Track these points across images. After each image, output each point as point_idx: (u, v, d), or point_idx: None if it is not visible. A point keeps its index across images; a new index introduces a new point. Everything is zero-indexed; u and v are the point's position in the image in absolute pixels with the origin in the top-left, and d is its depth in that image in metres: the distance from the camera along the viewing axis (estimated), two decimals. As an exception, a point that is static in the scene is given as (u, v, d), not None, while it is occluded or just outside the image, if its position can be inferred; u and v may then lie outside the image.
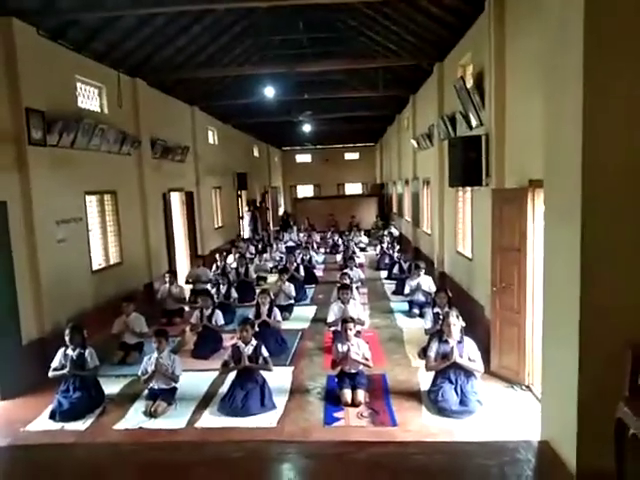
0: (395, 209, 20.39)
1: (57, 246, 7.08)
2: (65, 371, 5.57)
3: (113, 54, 8.79)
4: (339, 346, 5.80)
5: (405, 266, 11.23)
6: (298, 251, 13.71)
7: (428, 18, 8.71)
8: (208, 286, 9.97)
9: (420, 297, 8.96)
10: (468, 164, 7.01)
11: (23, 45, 6.44)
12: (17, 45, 6.35)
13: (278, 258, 14.29)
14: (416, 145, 13.05)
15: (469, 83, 7.82)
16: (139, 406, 5.62)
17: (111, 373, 6.60)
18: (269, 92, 12.61)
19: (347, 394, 5.51)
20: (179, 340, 8.07)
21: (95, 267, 8.39)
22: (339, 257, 15.45)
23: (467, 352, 5.35)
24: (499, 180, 6.51)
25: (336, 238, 18.50)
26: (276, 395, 5.67)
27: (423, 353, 6.49)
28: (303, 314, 9.43)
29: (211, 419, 5.33)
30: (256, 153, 23.48)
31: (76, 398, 5.48)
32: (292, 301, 9.47)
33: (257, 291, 8.99)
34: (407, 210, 16.74)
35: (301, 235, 19.31)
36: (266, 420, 5.24)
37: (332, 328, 7.46)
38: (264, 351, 5.76)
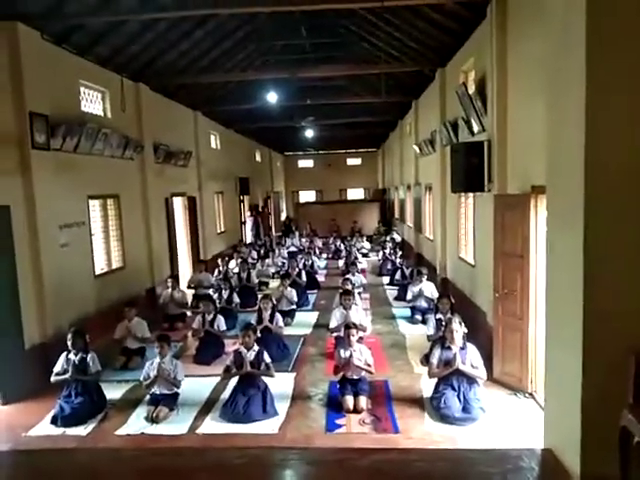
0: (397, 215, 20.39)
1: (60, 250, 7.09)
2: (67, 376, 5.57)
3: (116, 59, 8.83)
4: (341, 352, 5.78)
5: (407, 272, 11.22)
6: (300, 256, 13.70)
7: (430, 24, 8.74)
8: (210, 291, 9.99)
9: (422, 303, 8.94)
10: (470, 170, 7.00)
11: (27, 49, 6.48)
12: (21, 49, 6.38)
13: (280, 263, 14.29)
14: (418, 151, 13.06)
15: (471, 89, 7.83)
16: (141, 411, 5.61)
17: (113, 378, 6.60)
18: (272, 97, 12.64)
19: (349, 400, 5.49)
20: (181, 345, 8.06)
21: (98, 271, 8.40)
22: (341, 263, 15.44)
23: (470, 359, 5.34)
24: (501, 186, 6.51)
25: (338, 243, 18.50)
26: (278, 401, 5.65)
27: (425, 360, 6.47)
28: (305, 320, 9.42)
29: (213, 425, 5.32)
30: (258, 158, 23.53)
31: (78, 403, 5.47)
32: (294, 306, 9.46)
33: (259, 296, 8.97)
34: (409, 216, 16.74)
35: (303, 240, 19.32)
36: (268, 426, 5.22)
37: (334, 334, 7.45)
38: (266, 357, 5.75)
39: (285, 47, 12.96)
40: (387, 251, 14.51)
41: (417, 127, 13.92)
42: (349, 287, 8.65)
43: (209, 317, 7.61)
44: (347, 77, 14.97)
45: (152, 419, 5.37)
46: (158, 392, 5.63)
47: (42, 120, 6.65)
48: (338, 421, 5.29)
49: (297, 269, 11.34)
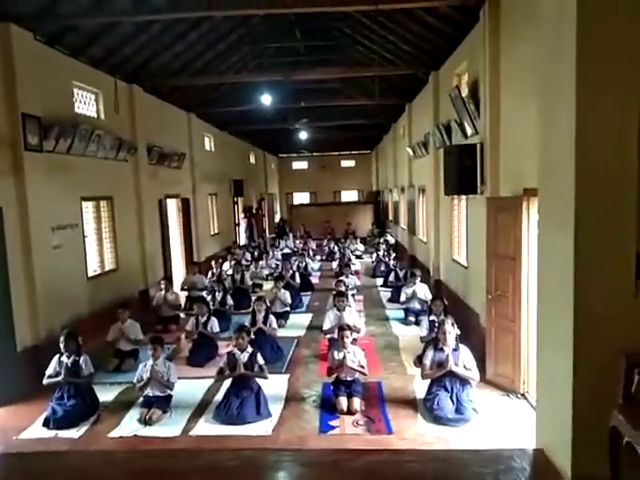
0: (391, 217, 20.44)
1: (53, 252, 7.06)
2: (60, 378, 5.54)
3: (110, 60, 8.81)
4: (335, 353, 5.79)
5: (401, 274, 11.24)
6: (294, 258, 13.69)
7: (424, 27, 8.78)
8: (204, 293, 9.97)
9: (416, 305, 8.96)
10: (463, 172, 7.04)
11: (20, 50, 6.45)
12: (14, 50, 6.35)
13: (274, 265, 14.27)
14: (412, 153, 13.10)
15: (464, 92, 7.88)
16: (134, 414, 5.59)
17: (106, 380, 6.57)
18: (266, 100, 12.66)
19: (343, 402, 5.50)
20: (174, 347, 8.04)
21: (90, 273, 8.36)
22: (335, 264, 15.45)
23: (462, 360, 5.36)
24: (494, 188, 6.55)
25: (332, 245, 18.52)
26: (271, 403, 5.65)
27: (419, 361, 6.49)
28: (299, 321, 9.42)
29: (206, 427, 5.30)
30: (252, 160, 23.52)
31: (70, 405, 5.44)
32: (288, 308, 9.45)
33: (253, 298, 8.96)
34: (403, 218, 16.78)
35: (297, 242, 19.33)
36: (261, 428, 5.22)
37: (328, 335, 7.46)
38: (260, 359, 5.74)
39: (279, 49, 12.98)
40: (381, 253, 14.54)
41: (411, 130, 13.97)
42: (343, 289, 8.66)
43: (202, 319, 7.60)
44: (341, 80, 15.02)
45: (145, 421, 5.35)
46: (151, 394, 5.61)
47: (35, 121, 6.62)
48: (332, 422, 5.30)
49: (291, 271, 11.33)
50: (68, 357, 5.62)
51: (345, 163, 31.14)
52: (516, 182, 5.86)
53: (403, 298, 9.18)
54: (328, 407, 5.60)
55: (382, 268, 13.54)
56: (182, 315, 9.54)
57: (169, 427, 5.30)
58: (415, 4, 7.41)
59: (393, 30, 9.68)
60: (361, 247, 19.21)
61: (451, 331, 5.40)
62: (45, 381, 5.62)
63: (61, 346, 5.64)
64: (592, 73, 2.63)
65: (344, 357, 5.67)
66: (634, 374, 2.56)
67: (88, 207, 8.46)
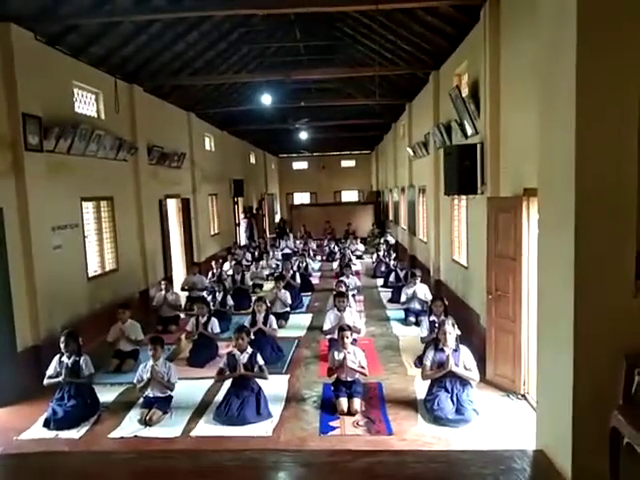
0: (391, 217, 20.43)
1: (53, 252, 7.06)
2: (60, 379, 5.54)
3: (110, 60, 8.81)
4: (335, 354, 5.78)
5: (401, 274, 11.23)
6: (294, 258, 13.70)
7: (424, 27, 8.77)
8: (204, 293, 9.97)
9: (416, 305, 8.96)
10: (463, 172, 7.04)
11: (20, 50, 6.45)
12: (14, 50, 6.35)
13: (274, 265, 14.27)
14: (412, 153, 13.10)
15: (465, 92, 7.88)
16: (134, 414, 5.59)
17: (106, 381, 6.57)
18: (266, 99, 12.66)
19: (343, 403, 5.50)
20: (175, 348, 8.04)
21: (91, 274, 8.36)
22: (335, 265, 15.44)
23: (463, 360, 5.36)
24: (494, 188, 6.55)
25: (332, 246, 18.51)
26: (272, 403, 5.65)
27: (419, 361, 6.49)
28: (299, 322, 9.42)
29: (206, 428, 5.30)
30: (253, 160, 23.52)
31: (71, 406, 5.44)
32: (288, 309, 9.45)
33: (253, 299, 8.96)
34: (403, 218, 16.78)
35: (297, 242, 19.32)
36: (262, 429, 5.22)
37: (328, 336, 7.45)
38: (260, 359, 5.74)
39: (279, 49, 12.99)
40: (381, 253, 14.53)
41: (411, 130, 13.96)
42: (343, 289, 8.66)
43: (203, 319, 7.60)
44: (341, 79, 15.02)
45: (145, 422, 5.35)
46: (151, 395, 5.60)
47: (35, 121, 6.62)
48: (332, 423, 5.30)
49: (291, 271, 11.34)
50: (68, 357, 5.62)
51: (345, 163, 31.14)
52: (516, 182, 5.85)
53: (403, 298, 9.17)
54: (328, 408, 5.60)
55: (382, 268, 13.54)
56: (182, 315, 9.54)
57: (169, 428, 5.30)
58: (415, 4, 7.39)
59: (393, 30, 9.67)
60: (361, 247, 19.19)
61: (451, 331, 5.39)
62: (45, 381, 5.62)
63: (61, 346, 5.64)
64: (592, 73, 2.63)
65: (344, 358, 5.67)
66: (634, 374, 2.56)
67: (88, 207, 8.46)
